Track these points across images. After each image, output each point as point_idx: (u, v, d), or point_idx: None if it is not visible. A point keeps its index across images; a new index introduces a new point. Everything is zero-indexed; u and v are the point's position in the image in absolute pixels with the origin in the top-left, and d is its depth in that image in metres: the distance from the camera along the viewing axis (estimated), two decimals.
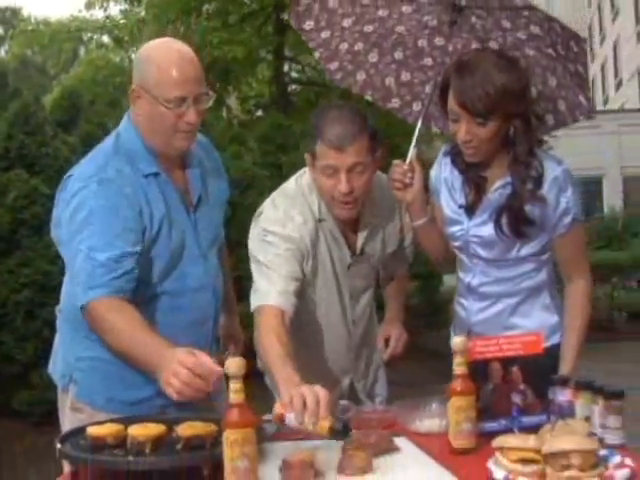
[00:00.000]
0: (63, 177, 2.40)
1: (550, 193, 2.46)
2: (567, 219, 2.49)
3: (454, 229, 2.61)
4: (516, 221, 2.48)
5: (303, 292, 2.57)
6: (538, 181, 2.45)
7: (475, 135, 2.42)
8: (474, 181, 2.55)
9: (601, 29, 35.96)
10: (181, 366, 1.98)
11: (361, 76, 2.81)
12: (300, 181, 2.65)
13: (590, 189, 22.24)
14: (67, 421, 2.40)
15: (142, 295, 2.29)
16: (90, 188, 2.26)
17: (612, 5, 33.38)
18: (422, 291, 9.51)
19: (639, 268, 13.01)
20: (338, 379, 2.77)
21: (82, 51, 13.68)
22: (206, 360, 2.00)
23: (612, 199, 21.53)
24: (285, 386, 2.13)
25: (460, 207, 2.58)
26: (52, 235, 2.41)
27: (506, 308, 2.61)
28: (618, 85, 33.26)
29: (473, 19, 2.64)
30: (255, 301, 2.47)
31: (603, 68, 36.45)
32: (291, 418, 2.03)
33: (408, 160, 2.56)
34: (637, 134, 22.25)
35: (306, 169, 2.64)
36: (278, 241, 2.51)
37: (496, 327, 2.57)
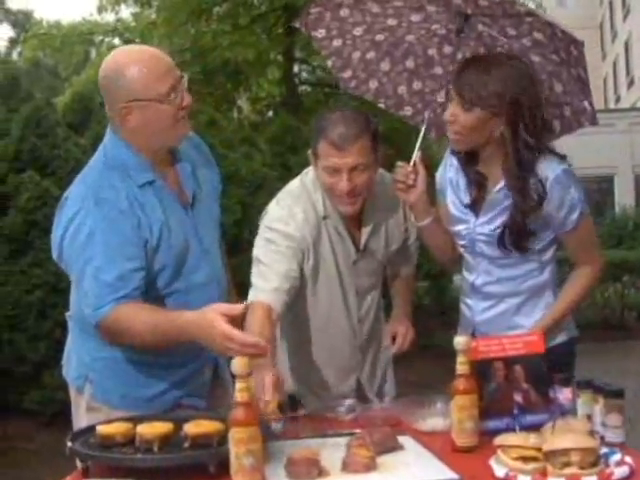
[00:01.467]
0: (74, 179, 2.42)
1: (553, 193, 2.47)
2: (574, 215, 2.51)
3: (460, 228, 2.63)
4: (518, 238, 2.51)
5: (303, 290, 2.62)
6: (540, 194, 2.46)
7: (457, 118, 2.46)
8: (475, 179, 2.58)
9: (612, 27, 35.84)
10: (226, 340, 2.04)
11: (374, 84, 2.85)
12: (305, 179, 2.70)
13: (602, 187, 22.19)
14: (84, 423, 2.38)
15: (151, 297, 2.32)
16: (87, 209, 2.27)
17: (623, 3, 33.26)
18: (432, 291, 9.54)
19: None
20: (344, 377, 2.80)
21: (93, 54, 13.75)
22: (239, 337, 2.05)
23: (624, 198, 21.44)
24: None
25: (466, 206, 2.61)
26: (54, 256, 2.41)
27: (510, 308, 2.63)
28: (630, 84, 33.13)
29: (480, 27, 2.67)
30: (249, 298, 2.49)
31: (615, 67, 36.32)
32: None
33: (412, 162, 2.60)
34: None
35: (311, 167, 2.68)
36: (279, 238, 2.55)
37: (500, 327, 2.60)
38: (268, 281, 2.50)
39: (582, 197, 2.53)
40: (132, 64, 2.27)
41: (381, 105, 2.89)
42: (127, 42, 10.41)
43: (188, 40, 10.60)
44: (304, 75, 14.16)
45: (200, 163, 2.56)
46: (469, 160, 2.59)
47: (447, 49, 2.78)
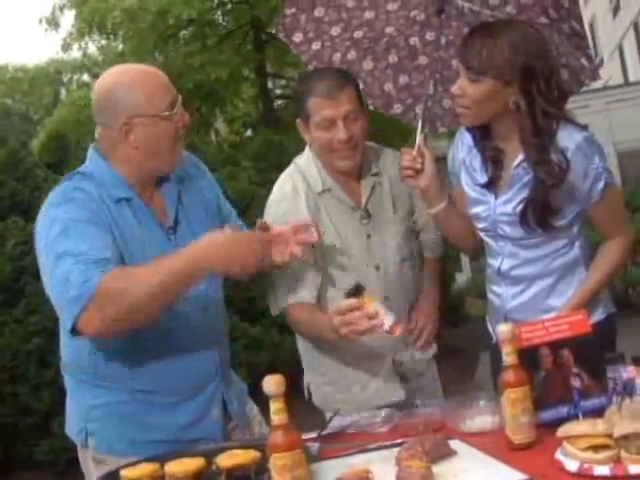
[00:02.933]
0: None
1: (576, 163, 2.32)
2: (600, 185, 2.36)
3: (479, 210, 2.49)
4: (542, 214, 2.36)
5: (323, 266, 2.59)
6: (562, 166, 2.30)
7: (465, 91, 2.33)
8: (492, 156, 2.43)
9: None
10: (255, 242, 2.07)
11: (360, 85, 2.73)
12: (297, 160, 2.69)
13: None
14: (94, 475, 2.24)
15: None
16: (58, 208, 2.15)
17: None
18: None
19: None
20: (379, 356, 2.68)
21: (63, 93, 13.63)
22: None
23: None
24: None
25: (482, 186, 2.45)
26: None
27: (542, 290, 2.48)
28: (599, 64, 33.28)
29: (460, 2, 2.58)
30: (280, 301, 2.57)
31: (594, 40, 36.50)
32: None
33: (416, 146, 2.48)
34: (625, 109, 22.20)
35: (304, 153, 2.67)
36: (271, 220, 2.49)
37: (534, 311, 2.45)
38: (296, 280, 2.53)
39: (606, 166, 2.38)
40: (130, 81, 2.20)
41: (370, 107, 2.79)
42: (96, 77, 10.28)
43: (158, 67, 10.47)
44: (278, 90, 14.07)
45: (192, 183, 2.40)
46: (483, 136, 2.44)
47: (429, 35, 2.69)
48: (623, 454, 1.70)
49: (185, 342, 2.24)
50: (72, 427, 2.34)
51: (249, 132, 13.17)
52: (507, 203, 2.41)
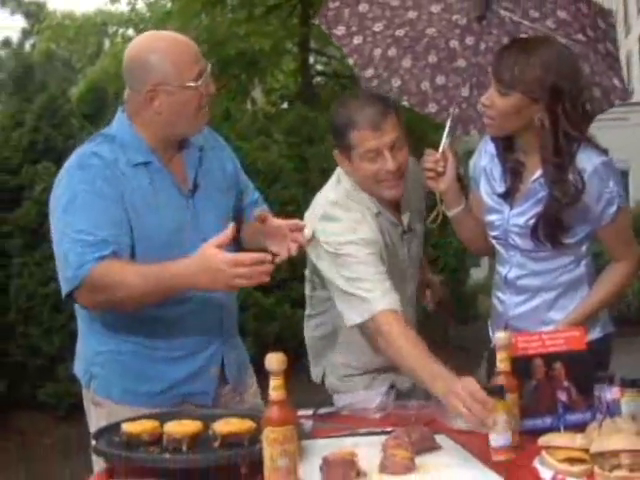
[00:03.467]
0: None
1: (591, 185, 2.37)
2: (612, 209, 2.42)
3: (493, 218, 2.55)
4: (553, 230, 2.42)
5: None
6: (578, 187, 2.36)
7: (493, 103, 2.38)
8: (512, 167, 2.49)
9: (626, 22, 35.55)
10: (234, 266, 2.01)
11: (396, 83, 2.78)
12: (340, 187, 2.56)
13: None
14: (92, 417, 2.38)
15: None
16: (71, 174, 2.24)
17: None
18: (448, 284, 9.43)
19: None
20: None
21: (107, 45, 13.66)
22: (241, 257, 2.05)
23: (638, 193, 21.28)
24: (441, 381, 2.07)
25: (499, 196, 2.52)
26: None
27: (544, 302, 2.54)
28: (631, 87, 32.88)
29: (502, 12, 2.60)
30: (360, 314, 2.35)
31: (628, 61, 36.04)
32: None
33: (441, 149, 2.54)
34: None
35: (332, 181, 2.60)
36: (356, 249, 2.40)
37: (534, 322, 2.52)
38: (372, 290, 2.35)
39: (621, 191, 2.44)
40: (162, 48, 2.24)
41: (405, 103, 2.81)
42: (142, 32, 10.31)
43: (203, 31, 10.50)
44: (319, 67, 14.05)
45: (212, 153, 2.47)
46: (506, 147, 2.50)
47: (469, 40, 2.71)
48: (597, 470, 1.77)
49: (191, 303, 2.30)
50: (79, 368, 2.44)
51: (285, 105, 13.18)
52: (520, 215, 2.47)
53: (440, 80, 2.78)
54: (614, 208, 2.42)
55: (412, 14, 2.72)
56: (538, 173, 2.44)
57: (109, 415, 2.28)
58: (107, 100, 7.95)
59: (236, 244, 2.37)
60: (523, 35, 2.57)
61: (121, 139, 2.30)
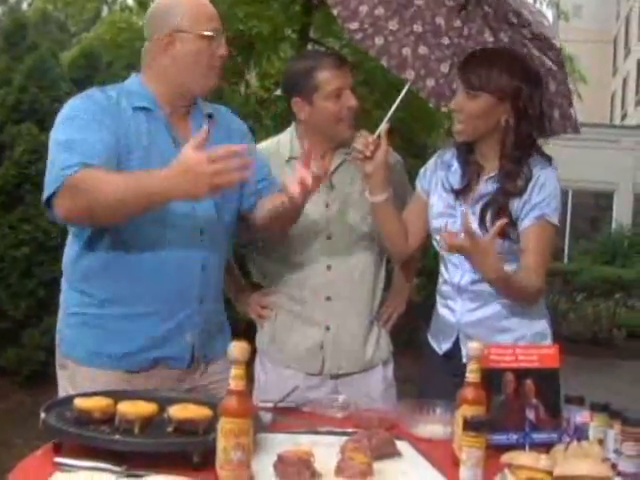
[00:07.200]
0: None
1: (538, 179, 2.47)
2: (535, 213, 2.45)
3: (444, 222, 2.53)
4: (498, 213, 2.43)
5: None
6: (527, 180, 2.45)
7: (462, 107, 2.47)
8: (471, 168, 2.54)
9: (626, 44, 35.69)
10: (211, 163, 2.01)
11: (379, 41, 2.80)
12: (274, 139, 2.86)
13: (600, 203, 22.07)
14: (59, 383, 2.35)
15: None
16: (77, 99, 2.32)
17: None
18: (426, 287, 9.38)
19: None
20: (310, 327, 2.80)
21: (105, 11, 13.48)
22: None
23: (621, 216, 21.32)
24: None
25: (456, 193, 2.55)
26: None
27: (500, 310, 2.51)
28: (638, 102, 33.03)
29: (486, 8, 2.64)
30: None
31: (624, 84, 36.18)
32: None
33: (376, 134, 2.55)
34: None
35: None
36: None
37: (488, 330, 2.50)
38: None
39: (553, 205, 2.47)
40: (185, 1, 2.35)
41: (383, 63, 2.83)
42: (141, 3, 10.18)
43: None
44: None
45: (222, 121, 2.49)
46: (468, 152, 2.57)
47: (456, 22, 2.74)
48: None
49: (169, 264, 2.27)
50: (57, 328, 2.40)
51: (278, 92, 13.08)
52: (473, 216, 2.45)
53: (422, 50, 2.79)
54: (537, 213, 2.44)
55: None
56: (491, 174, 2.51)
57: (71, 378, 2.26)
58: (99, 68, 7.80)
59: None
60: (503, 33, 2.65)
61: (128, 88, 2.38)
